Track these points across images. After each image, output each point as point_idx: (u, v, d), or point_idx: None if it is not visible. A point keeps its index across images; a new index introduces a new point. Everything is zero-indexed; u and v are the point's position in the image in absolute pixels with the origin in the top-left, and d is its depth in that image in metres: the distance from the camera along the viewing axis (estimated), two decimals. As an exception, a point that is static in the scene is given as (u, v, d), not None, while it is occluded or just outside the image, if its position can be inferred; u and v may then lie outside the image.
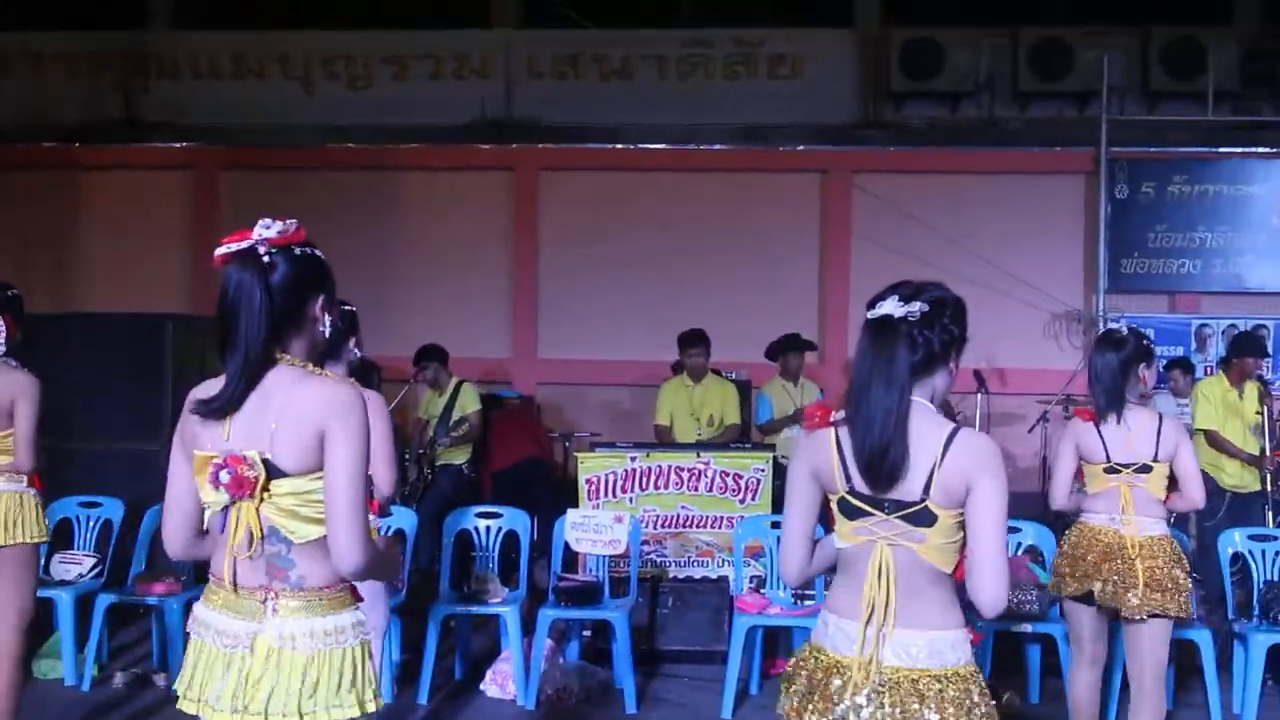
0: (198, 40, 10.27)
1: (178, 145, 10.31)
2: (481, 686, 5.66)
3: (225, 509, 2.35)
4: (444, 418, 7.88)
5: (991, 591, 2.31)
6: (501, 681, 5.60)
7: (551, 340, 10.06)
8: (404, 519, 5.88)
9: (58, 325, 7.03)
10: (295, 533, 2.34)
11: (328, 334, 2.48)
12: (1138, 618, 4.07)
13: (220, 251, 2.35)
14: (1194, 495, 4.20)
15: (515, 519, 6.10)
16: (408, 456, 8.09)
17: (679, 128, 10.00)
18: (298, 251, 2.39)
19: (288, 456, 2.32)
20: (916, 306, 2.37)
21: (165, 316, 7.73)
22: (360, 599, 2.46)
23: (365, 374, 8.60)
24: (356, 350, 4.11)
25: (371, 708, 2.37)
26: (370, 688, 2.38)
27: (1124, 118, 9.66)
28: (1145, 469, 4.12)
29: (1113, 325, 4.62)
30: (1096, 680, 4.39)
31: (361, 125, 10.07)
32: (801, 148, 10.01)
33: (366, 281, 9.70)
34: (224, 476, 2.30)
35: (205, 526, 2.44)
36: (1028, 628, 5.45)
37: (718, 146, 10.01)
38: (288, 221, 2.37)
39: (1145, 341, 4.32)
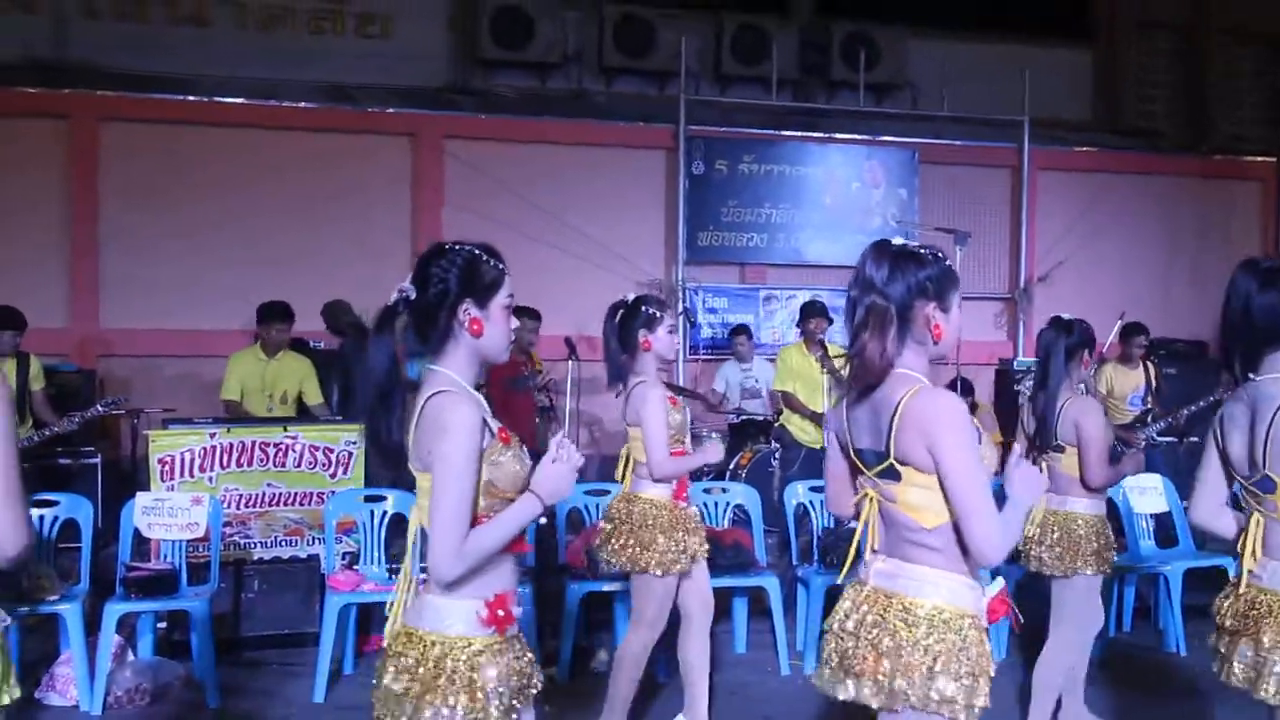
0: None
1: None
2: (38, 695, 5.09)
3: None
4: (23, 397, 6.81)
5: None
6: (62, 687, 5.09)
7: (116, 308, 9.15)
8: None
9: None
10: None
11: None
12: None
13: None
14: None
15: (74, 506, 5.53)
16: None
17: (260, 83, 9.46)
18: None
19: None
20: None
21: None
22: None
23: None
24: None
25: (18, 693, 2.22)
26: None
27: (700, 98, 10.26)
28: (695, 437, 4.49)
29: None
30: None
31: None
32: (391, 110, 9.77)
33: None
34: None
35: None
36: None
37: (302, 104, 9.54)
38: None
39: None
